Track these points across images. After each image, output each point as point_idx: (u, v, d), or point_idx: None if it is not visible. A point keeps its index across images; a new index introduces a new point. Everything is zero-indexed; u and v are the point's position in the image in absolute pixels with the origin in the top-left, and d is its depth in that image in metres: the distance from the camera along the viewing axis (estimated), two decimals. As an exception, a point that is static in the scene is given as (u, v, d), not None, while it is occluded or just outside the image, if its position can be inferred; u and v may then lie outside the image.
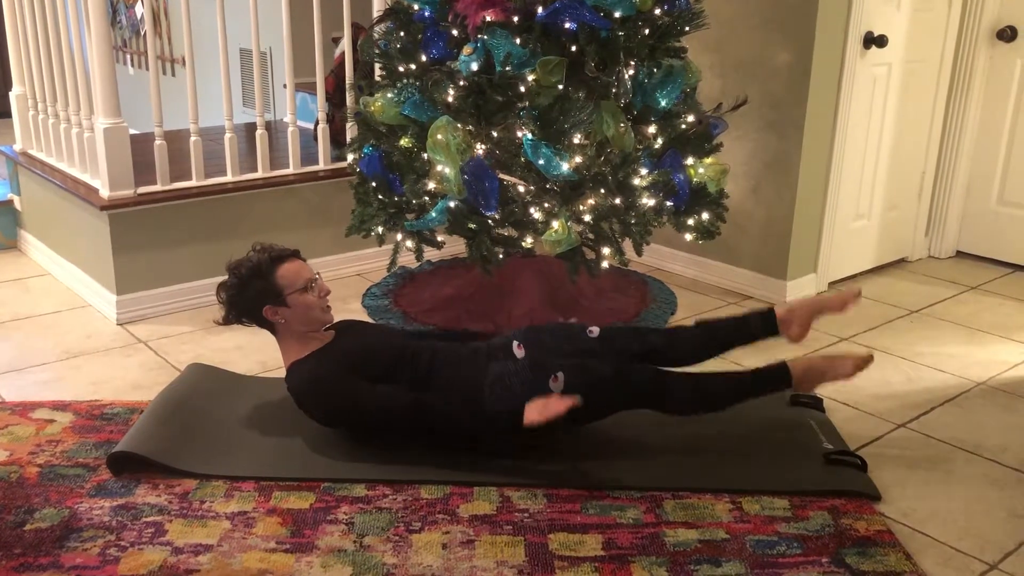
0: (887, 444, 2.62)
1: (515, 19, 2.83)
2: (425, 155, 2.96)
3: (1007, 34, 3.99)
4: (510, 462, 2.40)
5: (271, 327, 2.53)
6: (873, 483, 2.36)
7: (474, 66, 2.81)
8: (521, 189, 2.96)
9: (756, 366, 2.54)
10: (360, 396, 2.39)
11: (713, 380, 2.49)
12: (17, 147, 4.21)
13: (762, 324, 2.59)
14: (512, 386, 2.40)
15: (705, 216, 3.16)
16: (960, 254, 4.34)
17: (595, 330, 2.59)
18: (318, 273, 2.58)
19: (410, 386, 2.44)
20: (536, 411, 2.26)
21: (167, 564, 2.01)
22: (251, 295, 2.48)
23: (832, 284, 3.90)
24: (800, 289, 3.72)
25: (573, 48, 2.84)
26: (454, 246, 3.77)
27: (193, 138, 3.52)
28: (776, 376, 2.47)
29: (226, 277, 2.53)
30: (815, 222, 3.72)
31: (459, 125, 2.85)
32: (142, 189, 3.44)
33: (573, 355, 2.50)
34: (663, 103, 2.99)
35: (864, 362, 2.47)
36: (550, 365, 2.42)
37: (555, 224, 2.89)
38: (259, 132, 3.69)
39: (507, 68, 2.78)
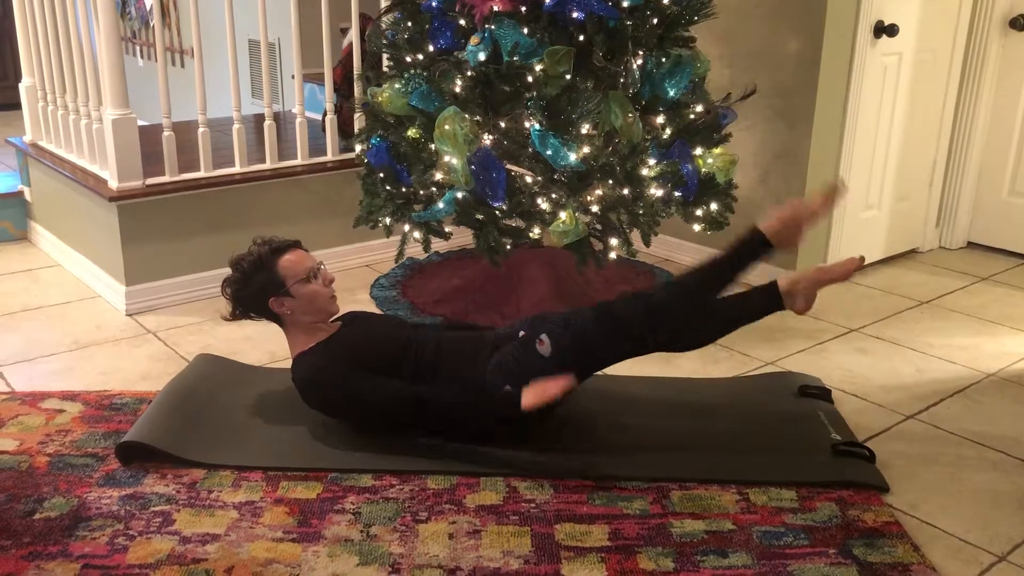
0: (896, 435, 2.61)
1: (522, 9, 2.82)
2: (433, 146, 2.96)
3: (1020, 23, 3.95)
4: (517, 452, 2.40)
5: (278, 319, 2.54)
6: (881, 474, 2.36)
7: (481, 56, 2.81)
8: (529, 180, 2.96)
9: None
10: (363, 389, 2.40)
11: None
12: (27, 138, 4.23)
13: (767, 299, 2.54)
14: (509, 369, 2.41)
15: (714, 207, 3.15)
16: (971, 245, 4.32)
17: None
18: (321, 262, 2.58)
19: (414, 378, 2.45)
20: (533, 394, 2.28)
21: (175, 553, 2.02)
22: (255, 288, 2.48)
23: (842, 275, 3.88)
24: (809, 280, 3.71)
25: (581, 38, 2.83)
26: (462, 237, 3.77)
27: (201, 129, 3.52)
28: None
29: (229, 273, 2.53)
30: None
31: (466, 115, 2.84)
32: (151, 180, 3.44)
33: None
34: (671, 93, 2.98)
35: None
36: (535, 333, 2.43)
37: (563, 215, 2.89)
38: (267, 123, 3.69)
39: (514, 58, 2.77)
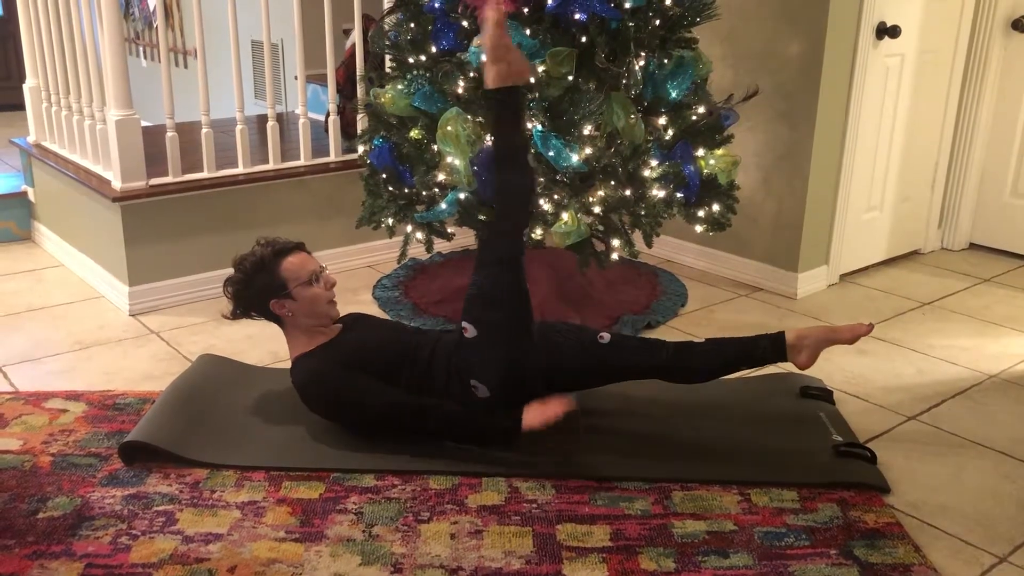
0: (897, 437, 2.61)
1: (525, 10, 2.82)
2: (435, 147, 2.96)
3: (1022, 24, 3.95)
4: (518, 453, 2.40)
5: (278, 320, 2.54)
6: (882, 475, 2.36)
7: (484, 57, 2.81)
8: (531, 180, 2.96)
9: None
10: (361, 394, 2.41)
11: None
12: (31, 139, 4.24)
13: (771, 349, 2.50)
14: (465, 366, 2.44)
15: (716, 208, 3.15)
16: (973, 246, 4.32)
17: (606, 336, 2.52)
18: (323, 265, 2.59)
19: (412, 382, 2.45)
20: (535, 416, 2.31)
21: (177, 553, 2.02)
22: (256, 289, 2.49)
23: (844, 276, 3.88)
24: (812, 281, 3.71)
25: (583, 39, 2.84)
26: (464, 238, 3.78)
27: (204, 130, 3.53)
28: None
29: (232, 272, 2.54)
30: (827, 214, 3.70)
31: (469, 116, 2.85)
32: (154, 181, 3.45)
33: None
34: (674, 94, 2.98)
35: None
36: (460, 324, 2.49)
37: (565, 216, 2.89)
38: (270, 124, 3.70)
39: (517, 59, 2.77)
